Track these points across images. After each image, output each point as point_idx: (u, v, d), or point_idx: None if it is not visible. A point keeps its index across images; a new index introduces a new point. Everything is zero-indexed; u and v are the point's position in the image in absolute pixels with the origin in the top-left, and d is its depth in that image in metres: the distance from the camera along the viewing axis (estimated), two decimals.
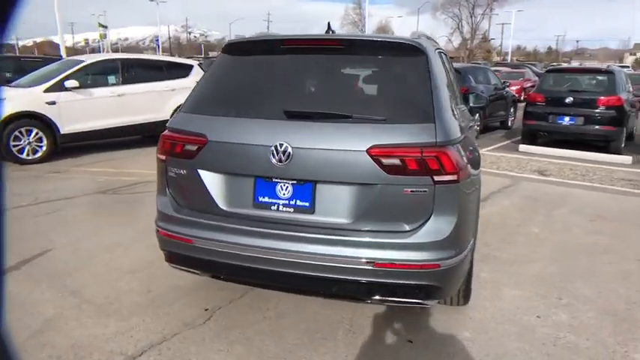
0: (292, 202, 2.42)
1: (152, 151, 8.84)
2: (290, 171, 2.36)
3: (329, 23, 3.03)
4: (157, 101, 8.72)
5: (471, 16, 68.41)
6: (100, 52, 34.48)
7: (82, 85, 7.77)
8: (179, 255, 2.66)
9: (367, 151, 2.26)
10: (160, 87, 8.74)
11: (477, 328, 2.91)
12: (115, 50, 56.01)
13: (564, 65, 14.63)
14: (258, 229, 2.44)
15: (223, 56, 2.87)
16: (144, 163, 7.58)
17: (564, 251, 4.19)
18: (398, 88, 2.51)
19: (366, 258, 2.28)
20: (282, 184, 2.42)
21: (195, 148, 2.53)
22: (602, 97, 8.78)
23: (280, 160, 2.34)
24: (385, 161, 2.25)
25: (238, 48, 2.89)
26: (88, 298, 3.20)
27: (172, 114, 8.86)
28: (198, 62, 9.93)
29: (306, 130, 2.36)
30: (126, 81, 8.35)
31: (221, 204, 2.52)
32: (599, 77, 9.29)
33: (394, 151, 2.24)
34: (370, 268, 2.28)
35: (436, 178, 2.25)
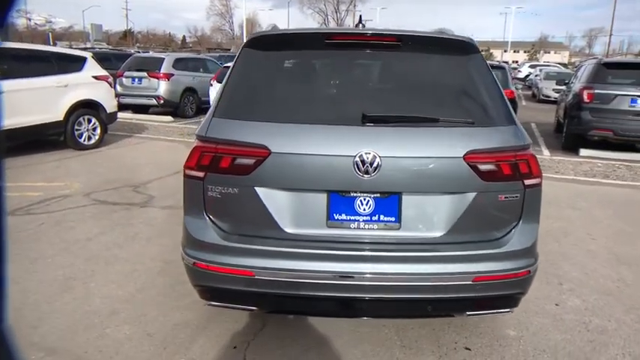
0: (375, 218, 2.14)
1: (44, 159, 7.63)
2: (375, 183, 2.08)
3: (360, 16, 2.75)
4: (47, 99, 7.37)
5: (336, 12, 71.37)
6: None
7: None
8: (230, 291, 2.20)
9: (464, 157, 2.09)
10: (49, 82, 7.39)
11: (516, 325, 2.93)
12: None
13: None
14: (335, 252, 2.12)
15: (250, 51, 2.42)
16: (42, 174, 6.40)
17: None
18: (468, 87, 2.36)
19: (464, 273, 2.12)
20: (362, 199, 2.13)
21: (252, 161, 2.10)
22: None
23: (367, 172, 2.05)
24: (482, 167, 2.10)
25: (269, 42, 2.47)
26: (78, 356, 2.52)
27: (67, 114, 7.63)
28: (91, 54, 8.63)
29: (394, 137, 2.10)
30: (5, 76, 6.89)
31: (285, 226, 2.14)
32: (494, 73, 10.23)
33: (491, 156, 2.11)
34: (469, 283, 2.13)
35: (526, 182, 2.17)
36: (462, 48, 2.43)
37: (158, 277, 3.44)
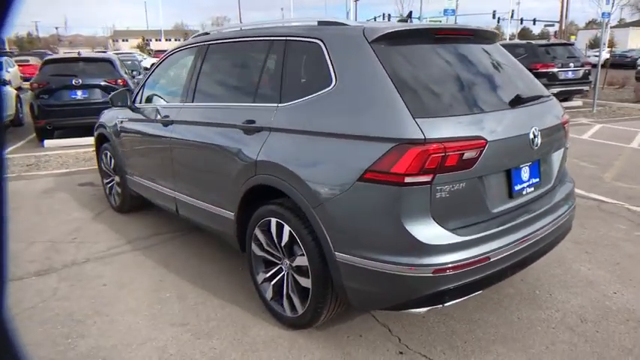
0: (530, 182, 2.64)
1: None
2: (534, 153, 2.56)
3: (410, 12, 2.92)
4: None
5: None
6: None
7: None
8: (469, 283, 2.26)
9: (562, 122, 2.80)
10: None
11: None
12: None
13: None
14: (522, 218, 2.51)
15: (386, 48, 2.36)
16: None
17: None
18: (519, 68, 2.97)
19: (570, 205, 2.89)
20: (524, 169, 2.58)
21: (474, 154, 2.21)
22: None
23: (537, 145, 2.50)
24: (566, 127, 2.88)
25: (396, 37, 2.46)
26: None
27: None
28: None
29: (539, 113, 2.64)
30: None
31: (490, 207, 2.39)
32: None
33: (565, 120, 2.91)
34: (573, 213, 2.91)
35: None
36: (496, 37, 3.06)
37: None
